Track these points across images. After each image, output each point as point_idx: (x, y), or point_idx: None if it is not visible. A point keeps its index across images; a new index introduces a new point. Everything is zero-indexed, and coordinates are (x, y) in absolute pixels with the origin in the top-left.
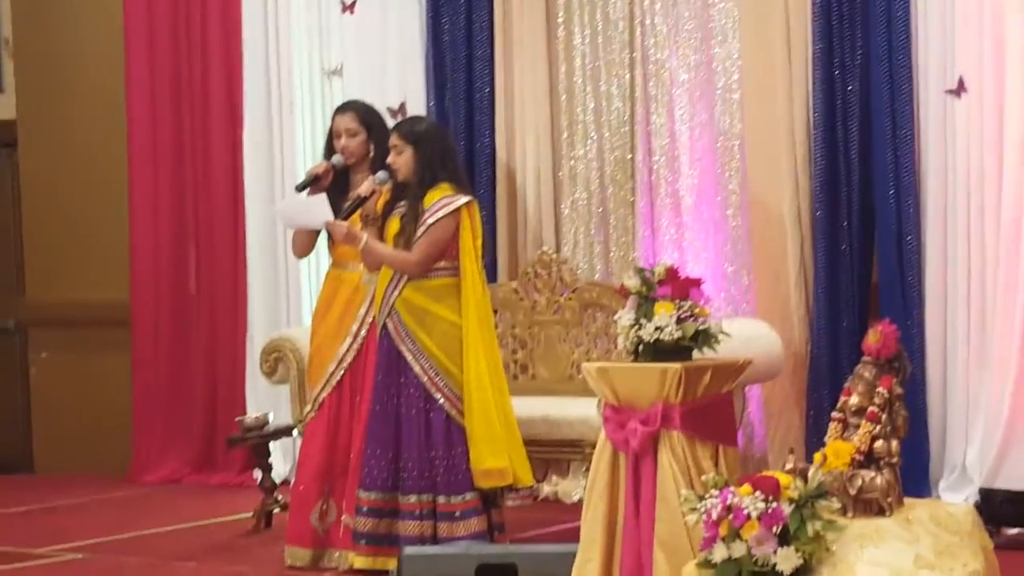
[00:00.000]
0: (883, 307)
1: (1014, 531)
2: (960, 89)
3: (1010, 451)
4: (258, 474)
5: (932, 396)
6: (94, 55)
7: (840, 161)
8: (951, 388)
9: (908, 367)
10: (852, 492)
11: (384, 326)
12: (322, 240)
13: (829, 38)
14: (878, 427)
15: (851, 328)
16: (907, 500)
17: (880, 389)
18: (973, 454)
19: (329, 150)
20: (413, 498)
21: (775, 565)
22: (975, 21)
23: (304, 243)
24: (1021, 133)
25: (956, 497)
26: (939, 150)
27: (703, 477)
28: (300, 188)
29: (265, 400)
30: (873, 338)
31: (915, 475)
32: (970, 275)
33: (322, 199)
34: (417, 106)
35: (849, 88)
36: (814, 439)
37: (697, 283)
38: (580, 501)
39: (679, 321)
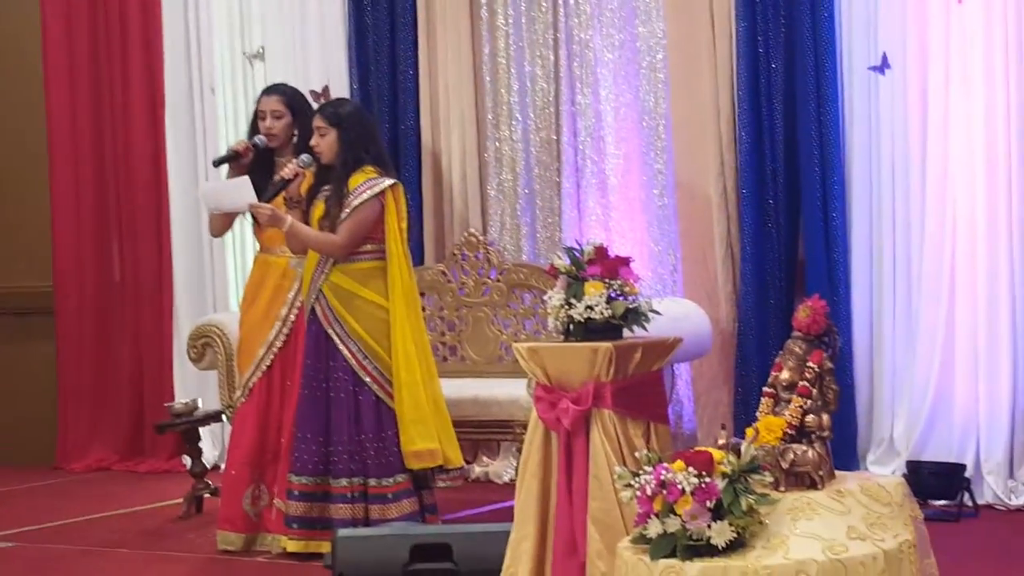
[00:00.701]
0: (809, 284)
1: (940, 503)
2: (884, 66)
3: (936, 424)
4: (187, 460)
5: (859, 371)
6: (9, 40)
7: (765, 139)
8: (878, 363)
9: (838, 342)
10: (784, 466)
11: (312, 310)
12: (248, 226)
13: (753, 16)
14: (809, 401)
15: (778, 305)
16: (838, 473)
17: (811, 364)
18: (900, 428)
19: (253, 131)
20: (344, 481)
21: (709, 539)
22: None
23: (220, 223)
24: (945, 109)
25: (883, 470)
26: (864, 127)
27: (637, 454)
28: (218, 163)
29: (193, 386)
30: (803, 313)
31: (843, 449)
32: (895, 251)
33: (245, 181)
34: (340, 89)
35: (773, 66)
36: (742, 415)
37: (626, 262)
38: (511, 481)
39: (609, 300)
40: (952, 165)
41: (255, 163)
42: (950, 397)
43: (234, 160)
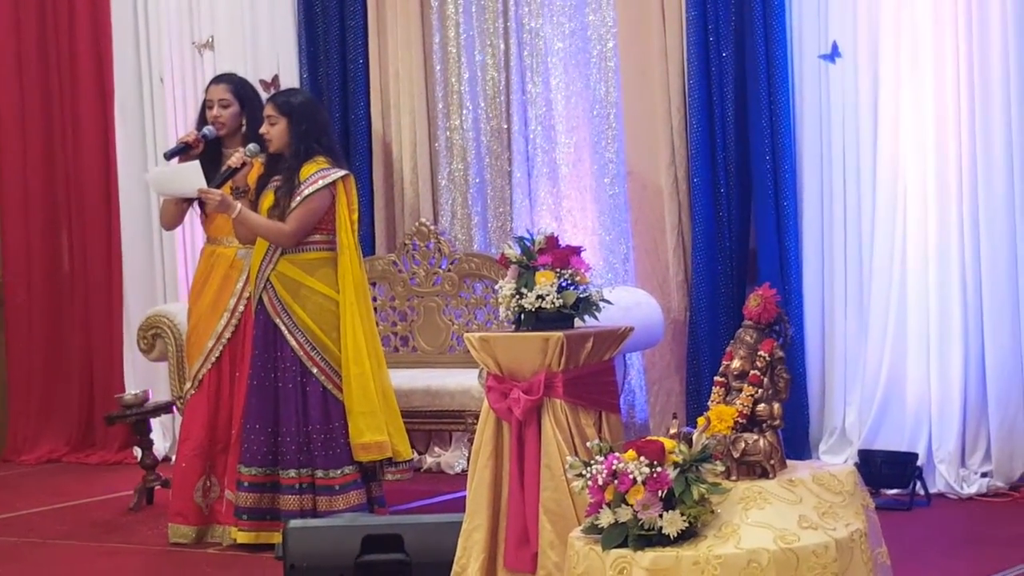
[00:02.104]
0: (761, 273)
1: (893, 491)
2: (834, 54)
3: (888, 413)
4: (138, 452)
5: (811, 360)
6: None
7: (716, 127)
8: (829, 351)
9: (789, 330)
10: (735, 455)
11: (260, 300)
12: (196, 216)
13: (703, 4)
14: (760, 390)
15: (729, 295)
16: (789, 462)
17: (762, 352)
18: (852, 416)
19: (202, 121)
20: (292, 472)
21: (661, 528)
22: None
23: (172, 214)
24: (896, 97)
25: (836, 459)
26: (814, 115)
27: (589, 444)
28: (169, 156)
29: (143, 377)
30: (754, 302)
31: (795, 438)
32: (847, 239)
33: (195, 166)
34: (290, 78)
35: (724, 54)
36: (694, 405)
37: (577, 251)
38: (462, 472)
39: (560, 289)
40: (902, 153)
41: (203, 153)
42: (902, 386)
43: (184, 152)
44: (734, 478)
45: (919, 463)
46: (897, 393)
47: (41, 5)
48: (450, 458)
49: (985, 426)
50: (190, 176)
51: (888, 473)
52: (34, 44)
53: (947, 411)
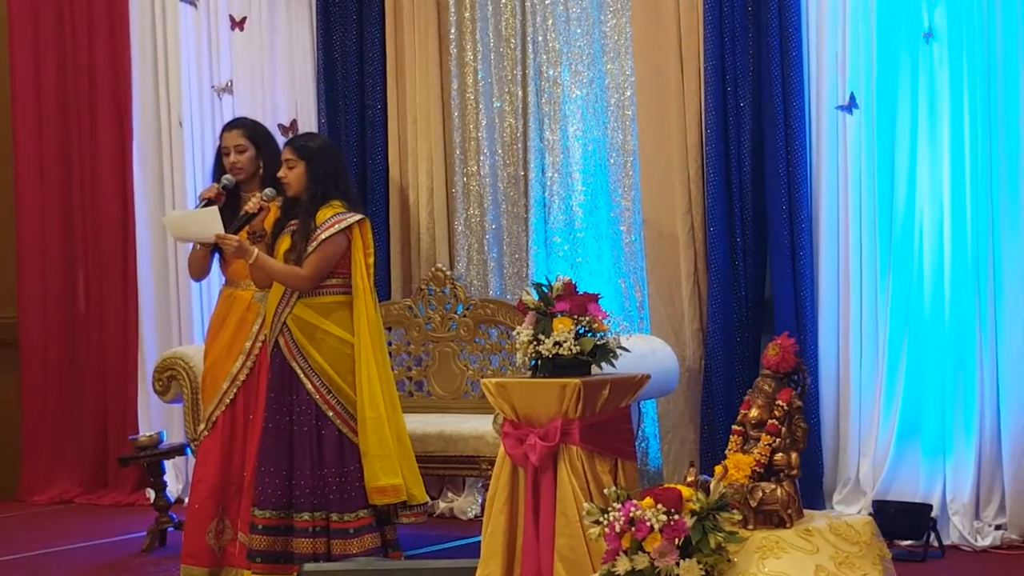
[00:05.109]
0: (777, 322)
1: (907, 543)
2: (852, 105)
3: (902, 464)
4: (151, 493)
5: (825, 410)
6: None
7: (733, 177)
8: (844, 402)
9: (807, 380)
10: (753, 504)
11: (276, 343)
12: (214, 259)
13: (721, 55)
14: (778, 439)
15: (744, 344)
16: (806, 512)
17: (780, 402)
18: (866, 467)
19: (218, 167)
20: (306, 515)
21: None
22: (865, 38)
23: (200, 264)
24: (913, 148)
25: (850, 510)
26: (831, 166)
27: (606, 491)
28: None
29: (159, 419)
30: (773, 351)
31: (810, 488)
32: (863, 289)
33: (213, 211)
34: (309, 123)
35: (742, 104)
36: (708, 454)
37: (595, 298)
38: (476, 517)
39: (577, 336)
40: (919, 204)
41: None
42: (916, 437)
43: (208, 208)
44: (751, 527)
45: (933, 514)
46: (911, 443)
47: (61, 47)
48: (463, 503)
49: (1000, 478)
50: (207, 221)
51: (902, 524)
52: (54, 85)
53: (961, 462)
